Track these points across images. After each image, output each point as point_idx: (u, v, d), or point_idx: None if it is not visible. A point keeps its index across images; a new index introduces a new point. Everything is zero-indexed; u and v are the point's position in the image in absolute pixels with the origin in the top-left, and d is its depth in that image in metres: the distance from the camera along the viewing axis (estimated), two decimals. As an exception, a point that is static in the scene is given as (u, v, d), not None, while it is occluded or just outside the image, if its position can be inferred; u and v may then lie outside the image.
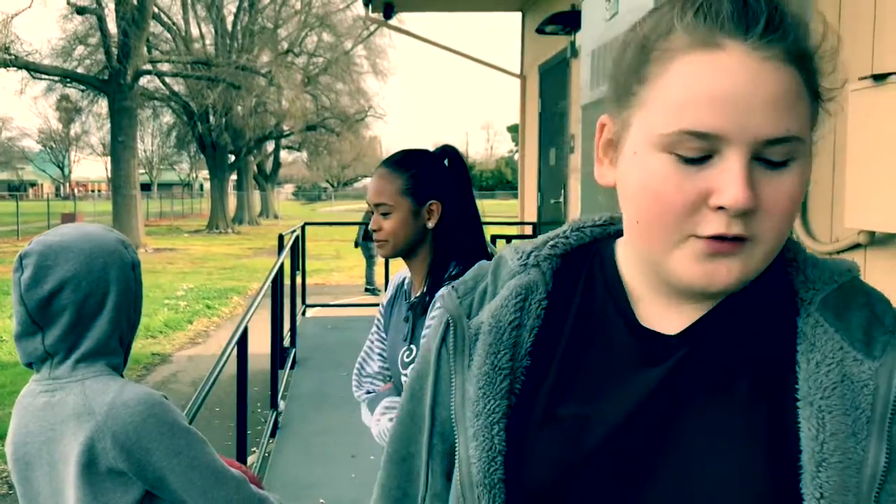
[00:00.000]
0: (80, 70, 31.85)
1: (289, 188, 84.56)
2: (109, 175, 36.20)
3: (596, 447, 0.86)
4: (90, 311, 1.74)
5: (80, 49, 33.12)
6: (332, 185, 77.69)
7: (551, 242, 1.01)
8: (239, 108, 35.12)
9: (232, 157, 41.55)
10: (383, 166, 2.22)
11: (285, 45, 38.40)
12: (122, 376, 1.81)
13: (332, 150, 48.61)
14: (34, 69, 29.45)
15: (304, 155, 56.08)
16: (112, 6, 28.68)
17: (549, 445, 0.88)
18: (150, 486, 1.72)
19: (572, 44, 7.03)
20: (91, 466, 1.68)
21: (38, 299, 1.71)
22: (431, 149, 2.29)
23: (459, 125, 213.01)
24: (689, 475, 0.83)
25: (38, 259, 1.72)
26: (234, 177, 45.41)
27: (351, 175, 72.37)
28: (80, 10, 30.24)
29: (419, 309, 2.16)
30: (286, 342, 7.37)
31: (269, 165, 51.89)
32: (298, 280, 8.51)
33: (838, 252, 3.27)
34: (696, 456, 0.84)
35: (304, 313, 9.33)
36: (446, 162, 2.23)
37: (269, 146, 49.58)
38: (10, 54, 28.07)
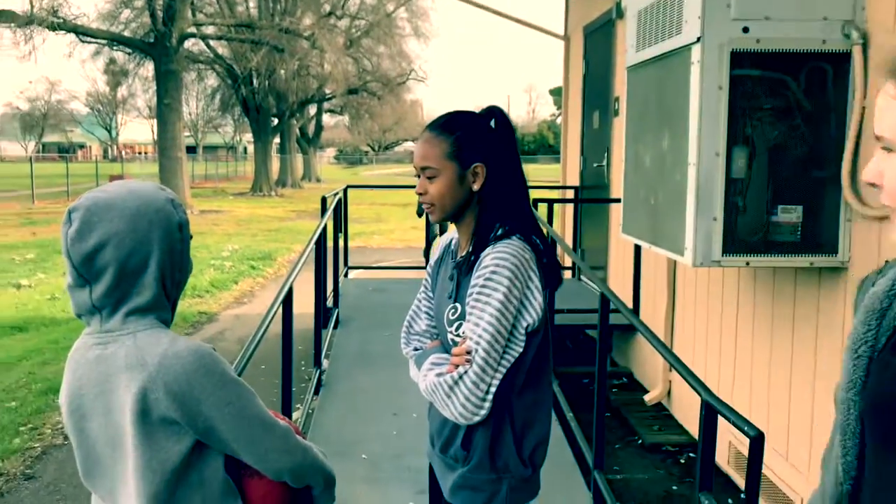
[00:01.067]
0: (126, 33, 32.00)
1: (330, 152, 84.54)
2: (156, 137, 36.49)
3: None
4: (134, 268, 1.73)
5: (126, 12, 33.24)
6: (374, 149, 77.58)
7: None
8: (282, 71, 35.08)
9: (275, 121, 41.64)
10: (428, 130, 2.21)
11: (328, 8, 38.18)
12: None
13: (373, 113, 48.47)
14: (82, 32, 29.61)
15: (345, 118, 56.09)
16: (158, -31, 28.69)
17: None
18: (201, 435, 1.75)
19: (618, 4, 6.93)
20: (145, 416, 1.70)
21: (83, 254, 1.72)
22: (476, 111, 2.28)
23: (501, 88, 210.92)
24: None
25: (85, 214, 1.72)
26: (277, 140, 45.58)
27: (392, 139, 72.20)
28: (126, -27, 30.37)
29: (464, 268, 2.17)
30: (329, 302, 7.41)
31: (311, 129, 51.93)
32: (341, 242, 8.55)
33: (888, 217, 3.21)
34: None
35: (346, 275, 9.38)
36: (493, 123, 2.21)
37: (312, 109, 49.60)
38: (58, 17, 28.27)
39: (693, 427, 5.62)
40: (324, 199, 7.68)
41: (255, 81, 37.10)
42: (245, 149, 72.22)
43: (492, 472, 2.16)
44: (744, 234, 3.75)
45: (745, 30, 3.56)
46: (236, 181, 49.52)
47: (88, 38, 30.83)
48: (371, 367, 6.33)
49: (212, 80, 43.52)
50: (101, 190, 1.79)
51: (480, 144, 2.16)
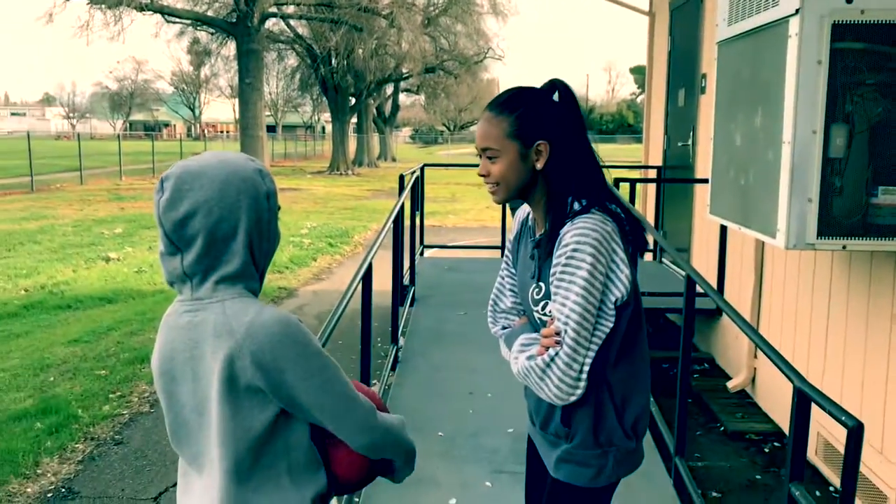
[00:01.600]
0: (209, 13, 32.53)
1: (406, 131, 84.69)
2: (237, 117, 37.08)
3: None
4: (223, 235, 1.75)
5: (209, -8, 33.77)
6: (449, 129, 77.40)
7: None
8: (360, 50, 35.24)
9: (353, 100, 41.89)
10: (488, 109, 2.13)
11: (406, -13, 38.19)
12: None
13: (449, 92, 48.37)
14: (168, 13, 30.27)
15: (421, 98, 56.12)
16: (241, -51, 29.04)
17: None
18: (285, 405, 1.75)
19: (706, -22, 6.71)
20: (231, 382, 1.71)
21: (174, 221, 1.73)
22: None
23: (580, 66, 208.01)
24: None
25: (176, 182, 1.74)
26: (354, 119, 45.87)
27: (468, 118, 71.85)
28: (210, -46, 30.83)
29: (544, 248, 2.11)
30: (405, 280, 7.41)
31: (387, 108, 52.07)
32: (417, 221, 8.54)
33: None
34: None
35: (421, 253, 9.37)
36: (556, 97, 2.12)
37: (389, 89, 49.75)
38: (145, -2, 28.92)
39: (778, 416, 5.45)
40: (401, 178, 7.66)
41: (333, 61, 37.35)
42: (323, 128, 72.91)
43: (596, 447, 2.12)
44: (840, 216, 3.57)
45: (849, 0, 3.37)
46: (314, 160, 50.07)
47: (174, 19, 31.49)
48: (446, 346, 6.31)
49: (292, 60, 44.00)
50: (192, 159, 1.80)
51: (543, 121, 2.08)
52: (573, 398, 2.02)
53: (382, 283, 6.19)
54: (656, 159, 8.91)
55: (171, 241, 1.75)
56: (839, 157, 3.54)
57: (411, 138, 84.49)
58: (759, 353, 5.74)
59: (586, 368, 2.00)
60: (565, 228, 2.02)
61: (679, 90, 8.00)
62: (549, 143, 2.07)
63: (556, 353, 1.99)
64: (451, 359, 6.03)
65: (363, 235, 16.54)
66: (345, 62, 36.83)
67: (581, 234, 1.98)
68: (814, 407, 2.64)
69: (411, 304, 7.38)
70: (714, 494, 4.65)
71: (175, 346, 1.80)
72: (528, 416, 2.39)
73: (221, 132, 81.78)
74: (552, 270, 2.02)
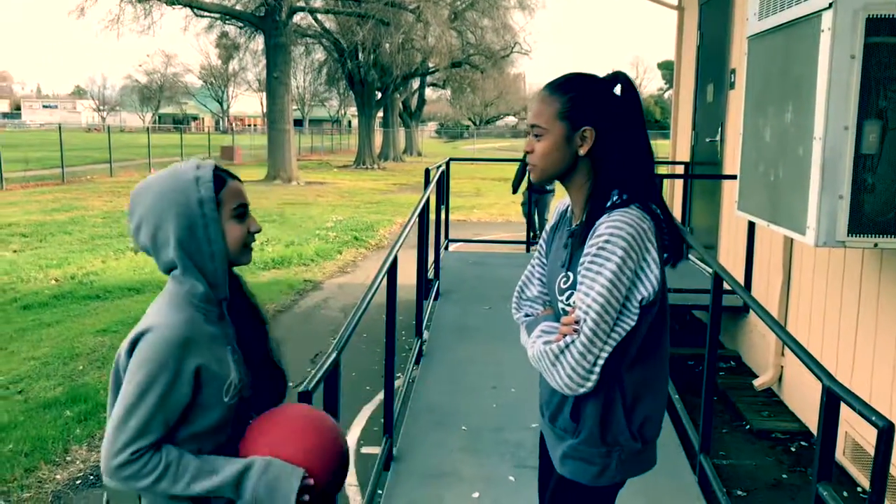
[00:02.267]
0: (238, 7, 32.62)
1: (432, 126, 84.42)
2: (265, 110, 37.19)
3: None
4: (162, 242, 1.93)
5: (238, -14, 33.84)
6: (475, 123, 77.08)
7: None
8: (387, 44, 35.18)
9: (379, 95, 41.91)
10: (544, 88, 2.12)
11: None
12: (212, 307, 1.96)
13: (475, 87, 48.24)
14: (197, 6, 30.37)
15: (447, 93, 55.99)
16: (269, -56, 29.10)
17: None
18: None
19: (736, -27, 6.63)
20: (117, 373, 1.95)
21: (132, 231, 1.98)
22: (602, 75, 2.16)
23: (607, 61, 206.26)
24: None
25: (131, 198, 1.98)
26: (380, 114, 45.89)
27: (493, 113, 71.52)
28: (238, -51, 30.90)
29: (578, 237, 2.08)
30: (430, 274, 7.39)
31: (413, 103, 52.01)
32: (442, 215, 8.52)
33: None
34: None
35: (446, 248, 9.34)
36: (618, 90, 2.10)
37: (415, 84, 49.72)
38: (175, -9, 29.05)
39: (806, 415, 5.38)
40: (427, 172, 7.64)
41: (360, 55, 37.36)
42: (349, 122, 73.01)
43: (602, 445, 2.10)
44: (872, 214, 3.51)
45: (884, -6, 3.31)
46: (340, 154, 50.18)
47: (203, 12, 31.62)
48: (470, 340, 6.29)
49: (319, 54, 44.04)
50: (150, 176, 2.01)
51: (594, 108, 2.06)
52: (583, 390, 2.00)
53: (407, 276, 6.17)
54: (684, 155, 8.83)
55: (139, 246, 2.00)
56: (872, 154, 3.48)
57: (437, 133, 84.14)
58: (787, 352, 5.67)
59: (600, 362, 1.98)
60: (601, 220, 2.00)
61: (708, 85, 7.91)
62: (595, 130, 2.06)
63: (572, 341, 1.98)
64: (475, 353, 6.01)
65: (388, 229, 16.54)
66: (371, 56, 36.82)
67: (616, 226, 1.96)
68: (842, 406, 2.59)
69: (436, 298, 7.35)
70: (739, 493, 4.60)
71: None
72: (538, 408, 2.39)
73: (249, 125, 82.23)
74: (581, 260, 2.00)
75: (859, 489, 4.45)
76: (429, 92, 56.45)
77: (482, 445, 4.51)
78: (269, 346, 2.14)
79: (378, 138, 44.23)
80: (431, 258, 7.50)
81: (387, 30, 33.41)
